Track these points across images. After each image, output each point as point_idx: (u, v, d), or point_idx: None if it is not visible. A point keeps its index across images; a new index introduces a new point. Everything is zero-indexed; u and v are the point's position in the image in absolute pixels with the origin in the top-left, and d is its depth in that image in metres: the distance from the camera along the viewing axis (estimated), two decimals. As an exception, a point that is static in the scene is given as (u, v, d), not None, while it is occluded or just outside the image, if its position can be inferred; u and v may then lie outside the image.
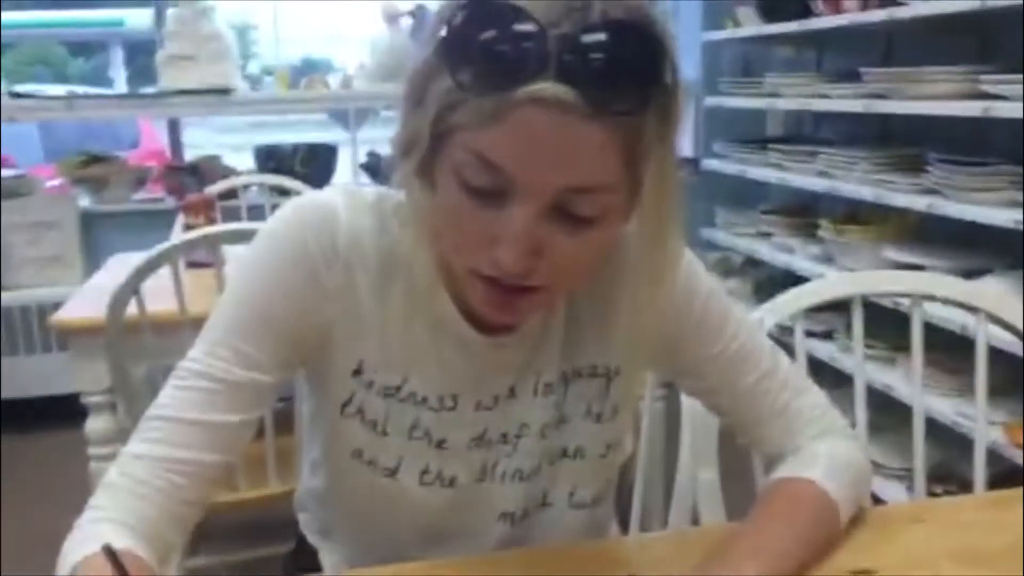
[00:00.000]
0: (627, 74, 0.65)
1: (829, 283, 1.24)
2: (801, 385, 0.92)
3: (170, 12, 3.38)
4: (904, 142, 2.65)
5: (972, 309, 1.16)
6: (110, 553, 0.66)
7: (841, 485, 0.84)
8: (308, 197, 0.83)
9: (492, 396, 0.85)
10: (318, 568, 0.95)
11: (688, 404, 1.05)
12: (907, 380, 2.27)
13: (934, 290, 1.18)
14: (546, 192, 0.67)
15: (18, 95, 3.30)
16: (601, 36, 0.64)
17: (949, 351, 2.00)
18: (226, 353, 0.78)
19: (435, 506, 0.87)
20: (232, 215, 2.72)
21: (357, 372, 0.83)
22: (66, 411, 2.14)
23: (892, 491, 2.25)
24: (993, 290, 1.19)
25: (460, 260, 0.73)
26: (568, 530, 0.90)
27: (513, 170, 0.66)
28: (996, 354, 1.23)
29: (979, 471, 1.14)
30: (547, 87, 0.64)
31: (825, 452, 0.87)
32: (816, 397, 0.93)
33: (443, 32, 0.66)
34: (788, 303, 1.15)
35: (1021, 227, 1.94)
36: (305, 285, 0.79)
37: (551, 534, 0.90)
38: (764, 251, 3.06)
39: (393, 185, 0.78)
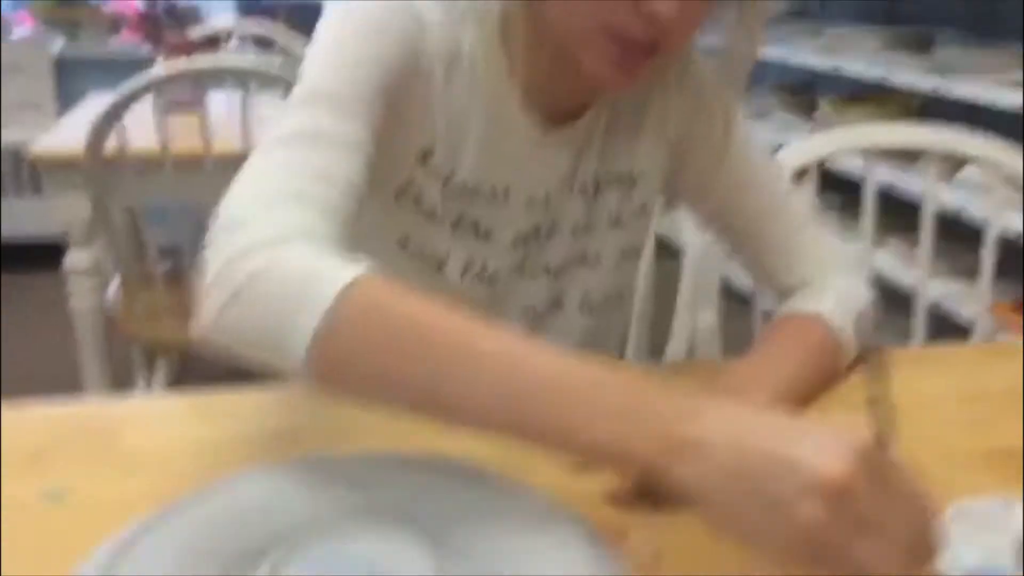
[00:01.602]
0: None
1: (837, 135, 1.21)
2: (812, 220, 0.91)
3: None
4: (913, 20, 2.58)
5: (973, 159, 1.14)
6: None
7: (847, 319, 0.83)
8: None
9: (543, 192, 0.85)
10: None
11: (691, 245, 1.03)
12: (896, 262, 2.27)
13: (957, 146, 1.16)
14: None
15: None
16: None
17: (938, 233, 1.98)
18: (342, 112, 0.70)
19: (469, 303, 0.84)
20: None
21: (424, 157, 0.80)
22: (33, 256, 2.09)
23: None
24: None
25: (590, 17, 0.71)
26: (575, 337, 0.90)
27: None
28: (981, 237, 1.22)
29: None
30: None
31: (833, 286, 0.86)
32: (826, 233, 0.91)
33: None
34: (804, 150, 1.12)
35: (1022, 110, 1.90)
36: (403, 45, 0.74)
37: (558, 341, 0.89)
38: (760, 130, 3.01)
39: None
